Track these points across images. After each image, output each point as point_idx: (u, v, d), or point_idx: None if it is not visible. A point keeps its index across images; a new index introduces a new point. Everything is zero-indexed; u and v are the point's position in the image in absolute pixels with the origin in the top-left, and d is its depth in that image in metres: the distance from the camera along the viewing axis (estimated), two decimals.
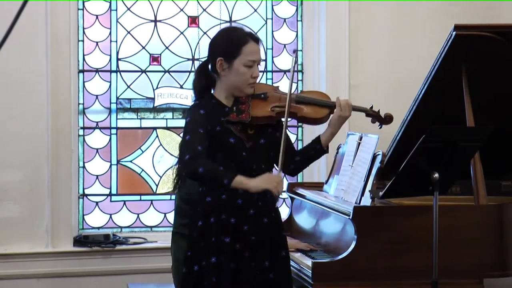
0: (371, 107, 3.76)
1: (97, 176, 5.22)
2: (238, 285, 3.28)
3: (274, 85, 5.32)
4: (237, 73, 3.30)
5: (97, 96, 5.20)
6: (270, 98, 3.42)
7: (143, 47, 5.25)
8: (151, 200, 5.29)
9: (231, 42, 3.31)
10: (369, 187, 3.77)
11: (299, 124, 5.19)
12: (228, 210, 3.28)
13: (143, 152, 5.28)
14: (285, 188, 4.65)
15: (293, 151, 3.52)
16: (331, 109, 3.51)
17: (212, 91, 3.38)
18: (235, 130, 3.30)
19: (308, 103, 3.51)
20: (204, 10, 5.31)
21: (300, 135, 5.39)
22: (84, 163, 5.17)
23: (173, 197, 5.25)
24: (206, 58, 3.42)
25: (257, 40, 3.36)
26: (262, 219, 3.32)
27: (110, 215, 5.24)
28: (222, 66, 3.30)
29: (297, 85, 5.41)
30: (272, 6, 5.41)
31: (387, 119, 3.76)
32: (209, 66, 3.37)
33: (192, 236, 3.35)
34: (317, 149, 3.51)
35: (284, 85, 5.36)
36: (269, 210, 3.34)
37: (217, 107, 3.32)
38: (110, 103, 5.21)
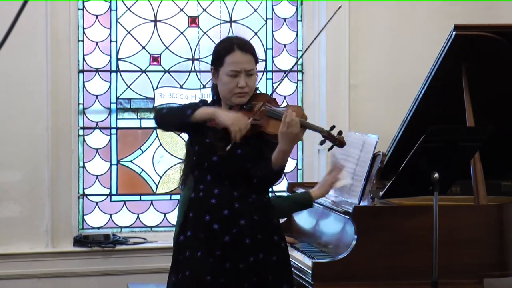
0: (331, 128, 3.24)
1: (97, 176, 5.21)
2: (216, 279, 3.25)
3: (275, 85, 5.34)
4: (222, 83, 3.30)
5: (97, 96, 5.20)
6: (252, 109, 3.29)
7: (143, 47, 5.25)
8: (151, 200, 5.29)
9: (218, 51, 3.33)
10: (369, 187, 3.77)
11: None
12: (203, 208, 3.29)
13: (143, 152, 5.28)
14: (285, 188, 4.66)
15: (262, 161, 3.27)
16: None
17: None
18: (212, 137, 3.26)
19: (275, 118, 3.24)
20: (204, 10, 5.31)
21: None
22: (84, 163, 5.17)
23: (173, 197, 5.27)
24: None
25: (245, 50, 3.29)
26: (237, 220, 3.28)
27: (110, 215, 5.24)
28: (214, 75, 3.33)
29: (297, 87, 5.41)
30: (272, 6, 5.41)
31: (337, 142, 3.22)
32: None
33: (175, 231, 3.42)
34: (266, 169, 3.25)
35: (284, 85, 5.37)
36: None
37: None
38: (110, 103, 5.21)
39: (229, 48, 3.29)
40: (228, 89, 3.29)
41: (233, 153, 3.27)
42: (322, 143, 3.26)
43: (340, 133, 3.23)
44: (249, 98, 3.33)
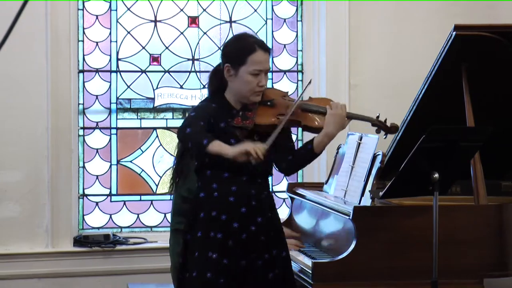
0: (377, 117, 3.64)
1: (97, 176, 5.22)
2: (230, 280, 3.29)
3: (275, 85, 5.34)
4: (242, 81, 3.32)
5: (97, 96, 5.20)
6: (276, 105, 3.40)
7: (143, 47, 5.25)
8: (151, 200, 5.29)
9: (238, 50, 3.34)
10: (369, 187, 3.77)
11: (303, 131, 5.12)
12: (219, 207, 3.31)
13: (143, 152, 5.28)
14: (285, 188, 4.66)
15: (290, 151, 3.47)
16: None
17: (224, 93, 3.41)
18: (241, 135, 3.32)
19: (313, 112, 3.44)
20: (204, 10, 5.31)
21: (300, 135, 5.39)
22: (84, 163, 5.17)
23: (173, 197, 5.27)
24: (219, 62, 3.45)
25: (266, 49, 3.35)
26: (255, 218, 3.33)
27: (110, 215, 5.24)
28: (229, 72, 3.34)
29: (297, 87, 5.41)
30: (272, 6, 5.41)
31: (392, 129, 3.66)
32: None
33: (183, 231, 3.43)
34: (307, 149, 3.42)
35: (284, 86, 5.37)
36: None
37: (226, 107, 3.37)
38: (110, 103, 5.21)
39: (252, 47, 3.32)
40: (249, 87, 3.32)
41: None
42: (377, 131, 3.65)
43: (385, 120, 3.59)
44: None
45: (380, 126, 3.61)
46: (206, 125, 3.25)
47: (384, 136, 3.66)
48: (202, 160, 3.37)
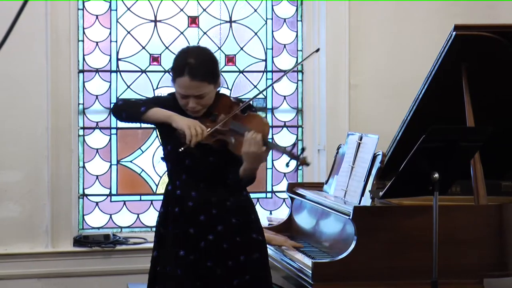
0: (293, 147, 3.17)
1: (97, 176, 5.21)
2: (202, 279, 3.26)
3: (275, 85, 5.34)
4: (177, 97, 3.29)
5: (97, 96, 5.20)
6: (217, 120, 3.25)
7: (143, 47, 5.25)
8: (151, 200, 5.29)
9: (172, 67, 3.29)
10: (369, 187, 3.77)
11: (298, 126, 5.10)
12: (180, 206, 3.30)
13: (143, 152, 5.28)
14: (285, 188, 4.66)
15: (236, 168, 3.25)
16: None
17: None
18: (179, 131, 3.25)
19: (241, 134, 3.18)
20: (204, 10, 5.31)
21: (300, 135, 5.39)
22: (84, 163, 5.17)
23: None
24: None
25: (194, 76, 3.18)
26: (214, 226, 3.27)
27: (110, 215, 5.24)
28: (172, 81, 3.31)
29: (297, 86, 5.41)
30: (272, 6, 5.41)
31: (302, 162, 3.12)
32: None
33: (156, 222, 3.42)
34: (236, 179, 3.24)
35: (284, 86, 5.37)
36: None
37: (179, 107, 3.30)
38: (110, 103, 5.20)
39: (181, 70, 3.21)
40: (181, 104, 3.28)
41: (206, 160, 3.26)
42: (287, 165, 3.18)
43: (303, 150, 3.27)
44: (212, 103, 3.28)
45: (292, 157, 3.12)
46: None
47: (294, 168, 3.35)
48: (163, 152, 3.35)
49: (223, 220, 3.28)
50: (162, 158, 3.42)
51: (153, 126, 3.72)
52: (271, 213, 5.26)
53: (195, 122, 3.19)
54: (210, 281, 3.26)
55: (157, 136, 3.40)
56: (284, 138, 5.31)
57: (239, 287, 3.28)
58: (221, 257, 3.26)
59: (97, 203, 5.22)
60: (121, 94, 5.20)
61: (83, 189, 5.17)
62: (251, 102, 3.36)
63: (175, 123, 3.19)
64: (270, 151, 3.24)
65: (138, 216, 5.27)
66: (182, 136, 3.18)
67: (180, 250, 3.26)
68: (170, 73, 3.31)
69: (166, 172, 3.45)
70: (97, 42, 5.19)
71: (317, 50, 3.50)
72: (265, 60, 5.38)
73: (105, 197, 5.23)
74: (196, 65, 3.21)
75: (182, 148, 3.16)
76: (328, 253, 3.86)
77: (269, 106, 5.30)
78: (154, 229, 5.18)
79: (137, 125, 5.23)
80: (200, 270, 3.26)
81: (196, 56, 3.25)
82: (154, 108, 3.22)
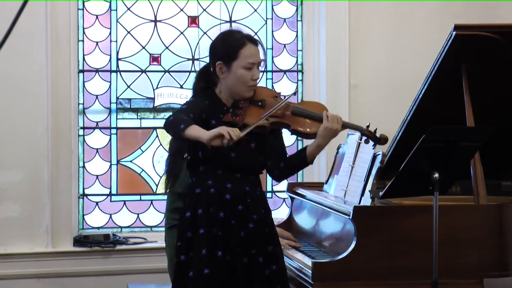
0: (368, 126, 3.54)
1: (97, 176, 5.22)
2: (236, 277, 3.30)
3: (275, 85, 5.35)
4: (236, 76, 3.33)
5: (97, 96, 5.20)
6: (267, 106, 3.38)
7: (143, 47, 5.25)
8: (151, 200, 5.29)
9: (229, 46, 3.35)
10: (369, 187, 3.77)
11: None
12: (216, 204, 3.32)
13: (143, 152, 5.28)
14: (285, 188, 4.66)
15: (281, 156, 3.48)
16: None
17: (215, 90, 3.41)
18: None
19: (304, 116, 3.43)
20: (204, 10, 5.31)
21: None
22: (84, 163, 5.17)
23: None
24: (207, 62, 3.48)
25: (255, 42, 3.38)
26: (251, 215, 3.35)
27: (110, 215, 5.24)
28: (221, 69, 3.36)
29: (297, 88, 5.41)
30: (272, 6, 5.41)
31: (381, 141, 3.50)
32: (211, 69, 3.41)
33: (181, 227, 3.40)
34: (301, 158, 3.45)
35: (284, 86, 5.37)
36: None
37: (217, 103, 3.37)
38: (110, 103, 5.21)
39: (241, 41, 3.35)
40: (242, 82, 3.34)
41: (248, 148, 3.34)
42: (366, 142, 3.52)
43: (375, 130, 3.48)
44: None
45: (369, 136, 3.51)
46: (196, 119, 3.22)
47: (373, 147, 3.60)
48: (195, 155, 3.36)
49: (256, 209, 3.38)
50: (188, 164, 3.42)
51: None
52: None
53: (220, 127, 3.18)
54: (252, 270, 3.32)
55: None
56: (284, 138, 5.30)
57: (271, 277, 3.35)
58: (259, 245, 3.35)
59: (97, 203, 5.22)
60: (121, 94, 5.21)
61: (83, 189, 5.17)
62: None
63: (205, 137, 3.13)
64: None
65: (138, 216, 5.28)
66: (220, 144, 3.15)
67: (218, 251, 3.29)
68: (221, 59, 3.33)
69: (191, 178, 3.40)
70: (97, 42, 5.19)
71: (295, 93, 3.68)
72: (265, 60, 5.37)
73: (105, 197, 5.23)
74: (248, 34, 3.43)
75: (226, 143, 3.12)
76: (328, 253, 3.86)
77: None
78: (154, 229, 5.25)
79: (137, 125, 5.25)
80: (242, 260, 3.31)
81: (239, 31, 3.48)
82: (190, 126, 3.16)
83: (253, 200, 3.37)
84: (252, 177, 3.40)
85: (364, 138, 3.52)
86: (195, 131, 3.16)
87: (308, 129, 3.41)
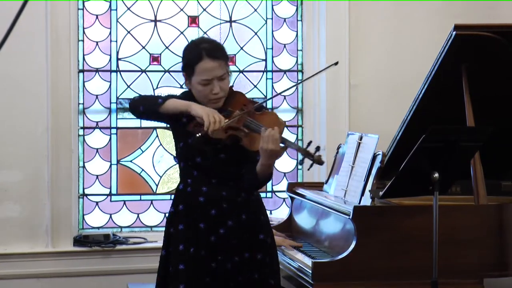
0: (309, 144, 3.27)
1: (97, 176, 5.21)
2: (211, 274, 3.28)
3: (275, 85, 5.35)
4: (196, 90, 3.31)
5: (97, 96, 5.20)
6: (231, 117, 3.27)
7: (143, 47, 5.25)
8: (151, 200, 5.29)
9: (187, 59, 3.33)
10: (369, 187, 3.77)
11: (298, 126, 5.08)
12: (191, 203, 3.32)
13: (143, 152, 5.28)
14: (285, 188, 4.66)
15: (250, 165, 3.30)
16: None
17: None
18: (194, 140, 3.25)
19: (253, 131, 3.25)
20: (204, 10, 5.31)
21: (300, 135, 5.39)
22: (84, 163, 5.17)
23: (173, 197, 5.26)
24: None
25: (214, 56, 3.26)
26: (225, 220, 3.31)
27: (110, 215, 5.24)
28: (186, 80, 3.35)
29: (297, 88, 5.41)
30: (272, 6, 5.41)
31: (316, 161, 3.21)
32: None
33: (166, 222, 3.43)
34: (253, 175, 3.27)
35: (284, 86, 5.37)
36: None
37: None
38: (110, 103, 5.21)
39: (198, 56, 3.27)
40: (202, 95, 3.29)
41: (217, 157, 3.30)
42: (301, 162, 3.27)
43: (318, 148, 3.23)
44: (226, 99, 3.33)
45: (306, 155, 3.22)
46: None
47: (309, 167, 3.29)
48: (176, 148, 3.37)
49: (233, 216, 3.31)
50: (174, 158, 3.46)
51: (164, 124, 3.72)
52: (271, 213, 5.25)
53: (213, 111, 3.22)
54: (219, 276, 3.28)
55: (173, 136, 3.38)
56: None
57: (244, 284, 3.30)
58: (231, 251, 3.29)
59: (97, 203, 5.22)
60: (121, 94, 5.21)
61: (83, 189, 5.17)
62: (264, 104, 3.41)
63: (193, 110, 3.20)
64: (286, 149, 3.29)
65: (138, 216, 5.27)
66: (200, 124, 3.18)
67: (190, 247, 3.27)
68: (184, 71, 3.33)
69: (179, 173, 3.45)
70: (97, 42, 5.19)
71: (336, 63, 3.55)
72: (265, 60, 5.38)
73: (105, 197, 5.23)
74: (211, 47, 3.31)
75: (199, 134, 3.16)
76: (328, 253, 3.86)
77: (269, 105, 5.30)
78: (154, 229, 5.25)
79: (137, 124, 5.25)
80: (210, 265, 3.28)
81: (207, 41, 3.38)
82: (171, 99, 3.24)
83: (231, 205, 3.31)
84: (231, 183, 3.32)
85: (300, 157, 3.27)
86: (180, 103, 3.19)
87: (250, 146, 3.24)
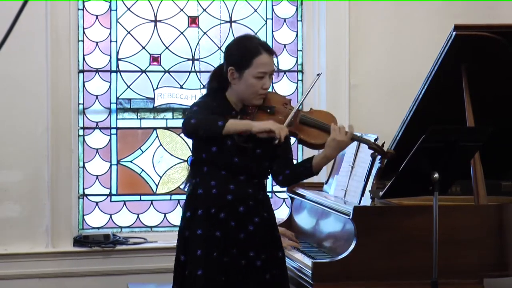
0: (375, 140, 3.60)
1: (97, 176, 5.21)
2: (230, 278, 3.31)
3: (275, 85, 5.35)
4: (246, 84, 3.33)
5: (97, 96, 5.20)
6: (276, 113, 3.40)
7: (143, 47, 5.25)
8: (151, 200, 5.29)
9: (243, 53, 3.35)
10: (369, 187, 3.77)
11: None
12: (217, 204, 3.32)
13: (143, 152, 5.28)
14: (285, 188, 4.65)
15: (287, 163, 3.50)
16: None
17: (226, 92, 3.42)
18: (237, 139, 3.30)
19: (311, 126, 3.44)
20: (204, 10, 5.31)
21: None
22: (84, 163, 5.17)
23: (173, 197, 5.27)
24: (221, 63, 3.48)
25: (270, 51, 3.37)
26: (252, 218, 3.35)
27: (110, 215, 5.24)
28: (233, 75, 3.36)
29: (297, 87, 5.42)
30: (272, 6, 5.41)
31: (387, 155, 3.55)
32: (224, 71, 3.41)
33: (180, 226, 3.42)
34: (306, 167, 3.47)
35: (284, 86, 5.38)
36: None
37: (226, 107, 3.38)
38: (110, 103, 5.21)
39: (256, 50, 3.33)
40: (252, 90, 3.34)
41: (254, 153, 3.37)
42: (373, 155, 3.56)
43: (382, 145, 3.50)
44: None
45: (376, 150, 3.54)
46: None
47: (379, 161, 3.60)
48: (198, 156, 3.37)
49: (258, 213, 3.38)
50: (191, 163, 3.44)
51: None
52: None
53: (270, 122, 3.28)
54: (249, 273, 3.32)
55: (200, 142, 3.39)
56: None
57: (270, 282, 3.36)
58: (259, 248, 3.34)
59: (97, 203, 5.22)
60: (121, 94, 5.21)
61: (83, 189, 5.17)
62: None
63: (255, 128, 3.25)
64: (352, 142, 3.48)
65: (138, 216, 5.27)
66: (268, 136, 3.25)
67: (213, 252, 3.29)
68: (234, 65, 3.33)
69: (194, 178, 3.41)
70: (97, 42, 5.19)
71: (319, 75, 3.63)
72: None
73: (105, 197, 5.23)
74: (264, 42, 3.44)
75: (277, 142, 3.25)
76: (328, 253, 3.86)
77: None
78: (154, 229, 5.25)
79: (137, 125, 5.25)
80: (240, 263, 3.32)
81: (257, 38, 3.53)
82: (229, 120, 3.24)
83: (256, 203, 3.38)
84: (256, 180, 3.40)
85: (371, 151, 3.55)
86: (240, 123, 3.23)
87: (313, 140, 3.42)
